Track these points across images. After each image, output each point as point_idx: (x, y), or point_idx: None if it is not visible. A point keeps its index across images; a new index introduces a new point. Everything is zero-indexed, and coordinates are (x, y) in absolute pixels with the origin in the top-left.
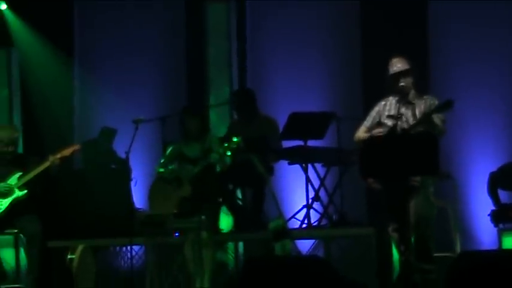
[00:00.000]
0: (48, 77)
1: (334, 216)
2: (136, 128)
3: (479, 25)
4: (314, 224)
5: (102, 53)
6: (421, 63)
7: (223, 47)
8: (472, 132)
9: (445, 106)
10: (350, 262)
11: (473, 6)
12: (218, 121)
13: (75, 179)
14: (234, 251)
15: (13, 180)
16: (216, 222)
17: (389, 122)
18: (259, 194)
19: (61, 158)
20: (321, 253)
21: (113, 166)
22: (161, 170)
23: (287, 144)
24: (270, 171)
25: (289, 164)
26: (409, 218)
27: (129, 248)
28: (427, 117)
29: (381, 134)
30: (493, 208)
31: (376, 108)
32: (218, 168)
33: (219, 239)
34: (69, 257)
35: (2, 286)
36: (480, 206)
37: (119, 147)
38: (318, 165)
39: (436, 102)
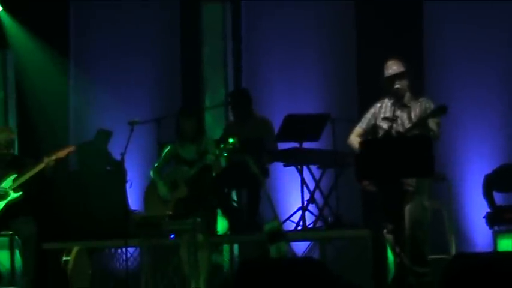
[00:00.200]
0: (44, 79)
1: (329, 218)
2: (132, 130)
3: (474, 25)
4: (309, 226)
5: (97, 54)
6: (416, 64)
7: (219, 47)
8: (467, 134)
9: (440, 111)
10: (345, 264)
11: (468, 7)
12: (213, 123)
13: (71, 180)
14: (229, 253)
15: (8, 182)
16: (214, 224)
17: (385, 125)
18: (254, 196)
19: (56, 160)
20: (316, 255)
21: (108, 168)
22: (156, 175)
23: (282, 146)
24: (265, 173)
25: (285, 166)
26: (404, 220)
27: (124, 249)
28: (422, 121)
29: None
30: (488, 210)
31: (372, 110)
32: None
33: (215, 241)
34: (64, 258)
35: None
36: (475, 208)
37: (114, 149)
38: (313, 167)
39: (432, 105)
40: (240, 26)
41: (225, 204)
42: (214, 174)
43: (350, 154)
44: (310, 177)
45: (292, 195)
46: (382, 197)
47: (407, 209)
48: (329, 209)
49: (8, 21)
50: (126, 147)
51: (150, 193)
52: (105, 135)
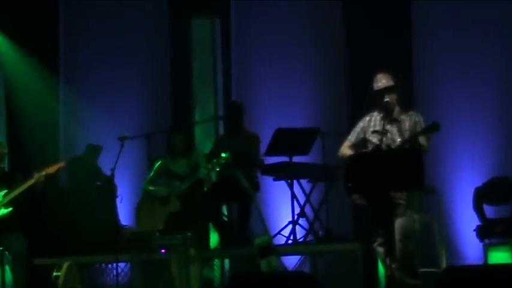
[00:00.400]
0: (33, 95)
1: (320, 232)
2: (122, 145)
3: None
4: (300, 240)
5: (87, 70)
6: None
7: (208, 62)
8: (457, 147)
9: (432, 128)
10: (336, 277)
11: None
12: (203, 137)
13: (61, 196)
14: (220, 267)
15: None
16: (206, 239)
17: (374, 138)
18: (245, 210)
19: (46, 175)
20: (307, 269)
21: (98, 183)
22: (150, 188)
23: (272, 160)
24: (256, 187)
25: (275, 180)
26: (394, 233)
27: (114, 265)
28: (414, 138)
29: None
30: (479, 223)
31: (361, 124)
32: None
33: (206, 256)
34: (54, 274)
35: None
36: (465, 221)
37: (104, 164)
38: (303, 181)
39: (421, 119)
40: (230, 41)
41: (216, 218)
42: (205, 188)
43: (340, 168)
44: (301, 191)
45: (282, 209)
46: (373, 210)
47: (397, 221)
48: (319, 223)
49: None
50: (116, 162)
51: (141, 208)
52: (95, 151)
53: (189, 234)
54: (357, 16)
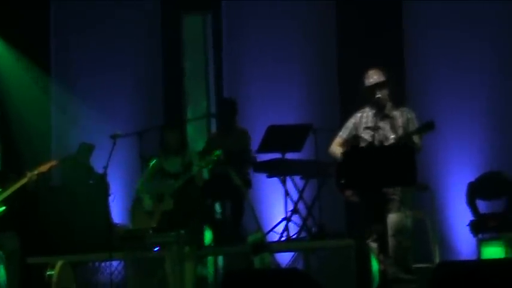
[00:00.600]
0: (25, 94)
1: (313, 229)
2: (114, 143)
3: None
4: (293, 237)
5: (79, 69)
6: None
7: (200, 59)
8: (449, 143)
9: (427, 127)
10: (329, 274)
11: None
12: (195, 135)
13: (54, 195)
14: (214, 265)
15: None
16: (200, 236)
17: (367, 135)
18: (238, 207)
19: (38, 174)
20: (300, 265)
21: (91, 182)
22: (141, 195)
23: (265, 157)
24: (248, 184)
25: (268, 177)
26: (387, 229)
27: (108, 263)
28: (407, 137)
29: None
30: (472, 218)
31: (352, 120)
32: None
33: (199, 253)
34: (48, 273)
35: None
36: (459, 216)
37: (97, 163)
38: (296, 178)
39: (413, 115)
40: (221, 38)
41: (209, 216)
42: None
43: (332, 164)
44: (294, 187)
45: (275, 206)
46: (365, 206)
47: (390, 217)
48: (312, 219)
49: None
50: (108, 160)
51: (136, 207)
52: (87, 149)
53: (182, 232)
54: (349, 16)
